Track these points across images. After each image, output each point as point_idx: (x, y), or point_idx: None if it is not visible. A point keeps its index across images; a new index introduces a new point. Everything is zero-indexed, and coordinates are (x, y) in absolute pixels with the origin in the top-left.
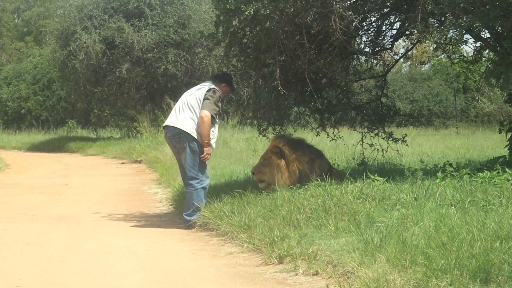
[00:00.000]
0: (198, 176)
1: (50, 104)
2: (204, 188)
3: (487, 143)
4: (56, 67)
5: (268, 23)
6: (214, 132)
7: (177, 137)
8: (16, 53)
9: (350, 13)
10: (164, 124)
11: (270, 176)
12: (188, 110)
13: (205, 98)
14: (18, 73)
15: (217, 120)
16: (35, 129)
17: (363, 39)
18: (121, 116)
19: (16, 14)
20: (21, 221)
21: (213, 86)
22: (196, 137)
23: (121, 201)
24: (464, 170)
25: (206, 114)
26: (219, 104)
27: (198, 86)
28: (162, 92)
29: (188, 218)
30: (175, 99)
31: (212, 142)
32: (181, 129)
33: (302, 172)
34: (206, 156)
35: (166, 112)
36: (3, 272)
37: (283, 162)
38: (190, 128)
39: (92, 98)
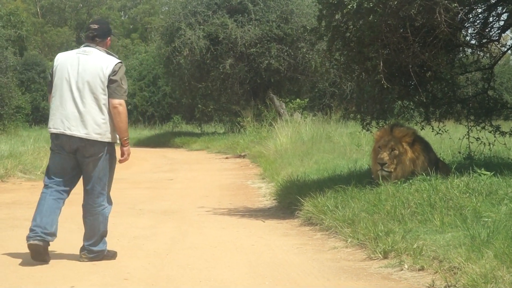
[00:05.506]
0: (107, 192)
1: (156, 100)
2: (110, 208)
3: None
4: (161, 64)
5: (371, 16)
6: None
7: (87, 147)
8: (123, 50)
9: (455, 5)
10: (57, 132)
11: (398, 166)
12: (95, 104)
13: (113, 81)
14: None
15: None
16: (141, 125)
17: (469, 31)
18: (225, 111)
19: (122, 12)
20: (128, 215)
21: (113, 58)
22: (113, 140)
23: (225, 195)
24: None
25: (121, 102)
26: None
27: (87, 59)
28: (266, 87)
29: (95, 248)
30: (279, 93)
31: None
32: (96, 140)
33: (420, 162)
34: (127, 157)
35: (269, 107)
36: (112, 265)
37: (410, 151)
38: (106, 132)
39: (196, 93)
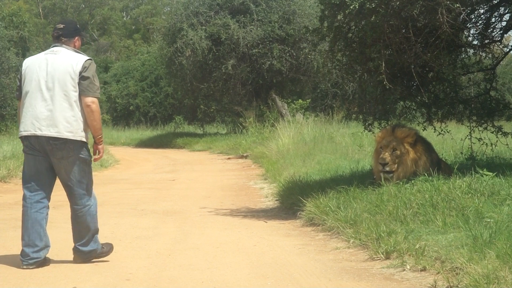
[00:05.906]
0: (90, 191)
1: (158, 100)
2: (96, 204)
3: None
4: (163, 64)
5: (373, 17)
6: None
7: (58, 146)
8: (125, 51)
9: (457, 5)
10: (27, 134)
11: (400, 166)
12: (65, 101)
13: (85, 78)
14: (126, 70)
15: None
16: (143, 125)
17: (471, 32)
18: (227, 111)
19: (124, 13)
20: (130, 215)
21: (83, 55)
22: (86, 139)
23: (227, 196)
24: None
25: (94, 100)
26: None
27: (55, 58)
28: (268, 88)
29: (85, 249)
30: (281, 94)
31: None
32: (68, 139)
33: (422, 163)
34: (102, 154)
35: (271, 107)
36: (114, 265)
37: (412, 152)
38: (77, 130)
39: (198, 94)
